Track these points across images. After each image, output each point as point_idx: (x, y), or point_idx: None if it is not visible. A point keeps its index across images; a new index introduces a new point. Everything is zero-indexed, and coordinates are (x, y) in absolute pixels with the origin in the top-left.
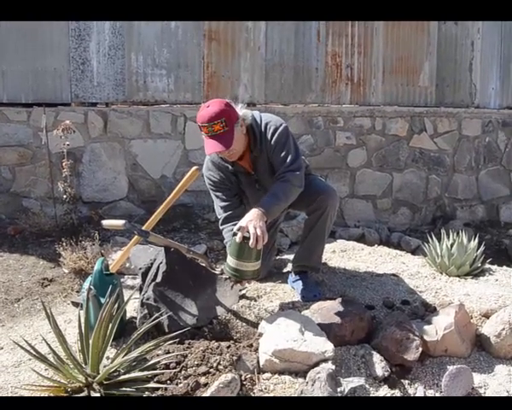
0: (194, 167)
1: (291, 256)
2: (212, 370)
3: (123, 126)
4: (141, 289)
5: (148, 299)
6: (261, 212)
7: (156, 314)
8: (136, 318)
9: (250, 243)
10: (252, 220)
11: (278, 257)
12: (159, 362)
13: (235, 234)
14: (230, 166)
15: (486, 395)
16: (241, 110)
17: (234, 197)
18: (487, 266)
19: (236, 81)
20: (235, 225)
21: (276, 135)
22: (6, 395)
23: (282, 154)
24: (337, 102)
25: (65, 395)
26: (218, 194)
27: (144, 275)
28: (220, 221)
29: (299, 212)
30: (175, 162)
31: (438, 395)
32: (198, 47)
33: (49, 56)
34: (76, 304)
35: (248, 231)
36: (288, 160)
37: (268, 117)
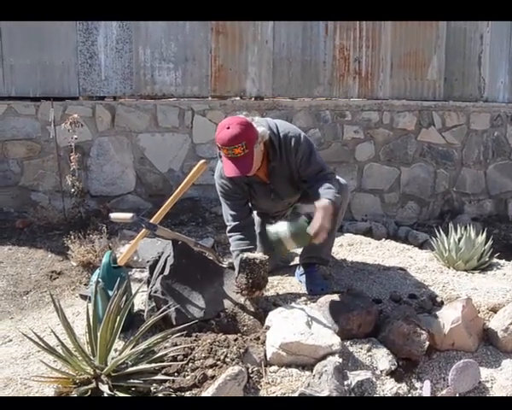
0: (202, 161)
1: (298, 250)
2: (219, 362)
3: (130, 120)
4: (148, 282)
5: (155, 292)
6: (330, 203)
7: (164, 307)
8: (143, 310)
9: (312, 232)
10: (325, 217)
11: None
12: (166, 354)
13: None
14: (245, 177)
15: (493, 389)
16: (257, 124)
17: (244, 207)
18: (495, 260)
19: (244, 75)
20: (242, 234)
21: (300, 148)
22: (15, 387)
23: (313, 164)
24: (345, 96)
25: (73, 386)
26: (228, 202)
27: (152, 268)
28: (228, 228)
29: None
30: (182, 156)
31: (445, 389)
32: (205, 40)
33: (57, 50)
34: (84, 297)
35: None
36: (320, 168)
37: (283, 126)
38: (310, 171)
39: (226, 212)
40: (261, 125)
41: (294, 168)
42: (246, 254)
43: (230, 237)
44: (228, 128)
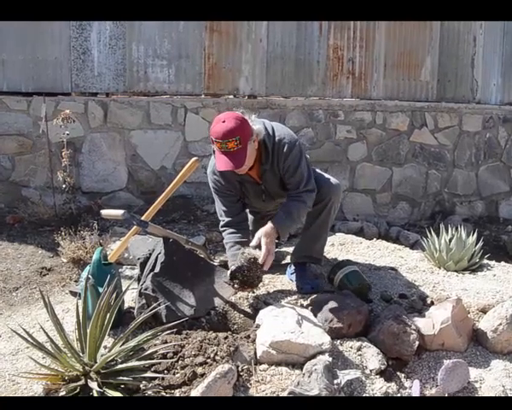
0: (194, 158)
1: (289, 249)
2: (209, 360)
3: (123, 117)
4: (139, 280)
5: (146, 289)
6: (275, 229)
7: (154, 304)
8: (134, 308)
9: (260, 261)
10: (269, 243)
11: (277, 249)
12: (156, 352)
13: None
14: (237, 175)
15: (482, 389)
16: (253, 123)
17: (237, 203)
18: (485, 261)
19: (237, 73)
20: (235, 228)
21: (290, 155)
22: (3, 384)
23: (297, 175)
24: (338, 96)
25: (62, 383)
26: (220, 199)
27: (143, 265)
28: (221, 224)
29: None
30: (175, 153)
31: (434, 388)
32: (199, 38)
33: (50, 46)
34: (74, 293)
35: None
36: (304, 181)
37: (280, 131)
38: (292, 180)
39: (219, 207)
40: (257, 123)
41: (282, 173)
42: (248, 250)
43: (223, 231)
44: (223, 122)
